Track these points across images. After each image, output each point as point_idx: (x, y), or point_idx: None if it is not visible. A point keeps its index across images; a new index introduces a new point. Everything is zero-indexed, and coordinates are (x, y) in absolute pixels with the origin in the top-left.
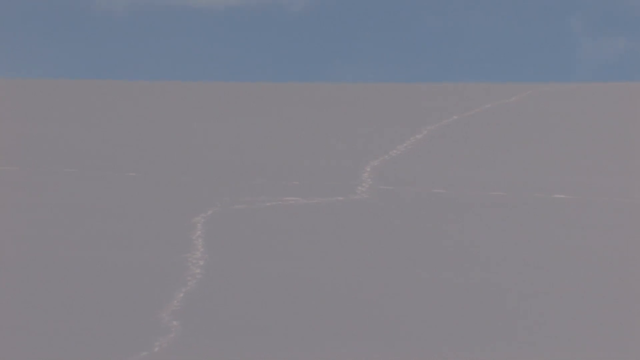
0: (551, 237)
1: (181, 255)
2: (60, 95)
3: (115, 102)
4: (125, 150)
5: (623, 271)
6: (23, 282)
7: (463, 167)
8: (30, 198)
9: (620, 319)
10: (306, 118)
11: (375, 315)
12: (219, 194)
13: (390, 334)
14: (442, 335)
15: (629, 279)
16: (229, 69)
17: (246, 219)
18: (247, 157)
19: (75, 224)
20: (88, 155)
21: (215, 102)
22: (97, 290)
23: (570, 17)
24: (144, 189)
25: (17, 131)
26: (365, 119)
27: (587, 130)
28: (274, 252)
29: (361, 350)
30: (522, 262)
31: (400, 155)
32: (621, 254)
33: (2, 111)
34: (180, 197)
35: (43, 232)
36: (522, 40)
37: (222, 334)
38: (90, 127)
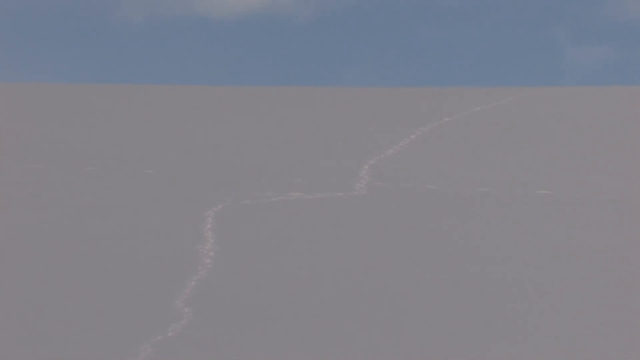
0: (546, 234)
1: (193, 246)
2: (80, 99)
3: (131, 105)
4: (142, 150)
5: (622, 269)
6: (51, 270)
7: (454, 166)
8: (56, 193)
9: (621, 317)
10: (308, 120)
11: (375, 304)
12: (228, 190)
13: (390, 325)
14: (440, 331)
15: (628, 277)
16: (238, 74)
17: (253, 213)
18: (254, 157)
19: (95, 217)
20: (107, 154)
21: (222, 105)
22: (115, 279)
23: (555, 27)
24: (159, 186)
25: (40, 132)
26: (362, 121)
27: (579, 130)
28: (280, 244)
29: (364, 336)
30: (519, 257)
31: (396, 155)
32: (619, 251)
33: (25, 113)
34: (193, 193)
35: (67, 224)
36: (510, 49)
37: (231, 319)
38: (109, 128)
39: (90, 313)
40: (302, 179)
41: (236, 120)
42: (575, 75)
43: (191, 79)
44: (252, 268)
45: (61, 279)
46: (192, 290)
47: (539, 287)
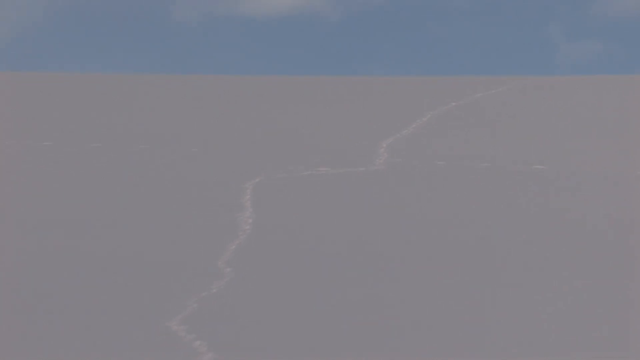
0: (539, 202)
1: (234, 214)
2: (139, 87)
3: (183, 93)
4: (189, 132)
5: (611, 231)
6: (114, 228)
7: (460, 144)
8: (114, 166)
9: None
10: (333, 104)
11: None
12: (264, 165)
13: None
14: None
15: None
16: (276, 66)
17: (287, 185)
18: (287, 136)
19: (148, 188)
20: (159, 135)
21: (259, 93)
22: (164, 242)
23: (549, 24)
24: (204, 162)
25: (103, 116)
26: (380, 106)
27: (570, 113)
28: (310, 212)
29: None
30: (511, 222)
31: (409, 135)
32: (607, 215)
33: (95, 100)
34: (233, 168)
35: (124, 192)
36: (509, 43)
37: (266, 277)
38: (162, 113)
39: (144, 271)
40: (328, 156)
41: (270, 106)
42: (567, 67)
43: (235, 69)
44: (286, 233)
45: (122, 237)
46: (233, 253)
47: (537, 257)
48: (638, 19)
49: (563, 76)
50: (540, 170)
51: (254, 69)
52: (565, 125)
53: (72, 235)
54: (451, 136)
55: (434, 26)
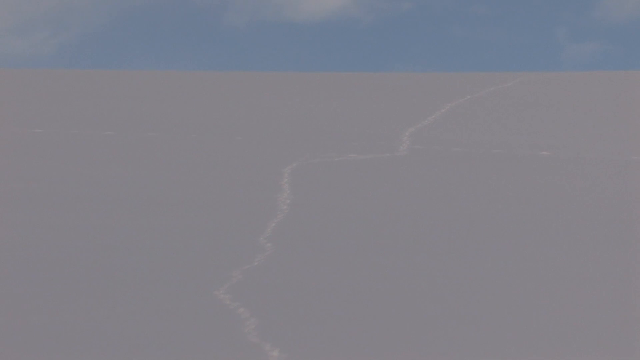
0: (546, 185)
1: (272, 195)
2: (193, 83)
3: (230, 89)
4: (234, 121)
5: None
6: (162, 207)
7: (475, 132)
8: (164, 153)
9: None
10: (362, 97)
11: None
12: (301, 152)
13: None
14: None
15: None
16: (314, 63)
17: (321, 169)
18: (320, 126)
19: (195, 172)
20: (208, 125)
21: (297, 87)
22: (210, 220)
23: (555, 26)
24: (247, 148)
25: (157, 109)
26: (403, 98)
27: (574, 105)
28: (342, 193)
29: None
30: (520, 201)
31: (430, 124)
32: (611, 198)
33: (155, 95)
34: (273, 154)
35: (173, 176)
36: (520, 44)
37: (303, 251)
38: (209, 106)
39: (194, 246)
40: (357, 144)
41: (306, 99)
42: (571, 65)
43: (279, 68)
44: (320, 212)
45: (176, 214)
46: (272, 230)
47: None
48: (635, 22)
49: (567, 72)
50: (546, 155)
51: (295, 67)
52: (569, 115)
53: (132, 212)
54: (467, 125)
55: (454, 29)
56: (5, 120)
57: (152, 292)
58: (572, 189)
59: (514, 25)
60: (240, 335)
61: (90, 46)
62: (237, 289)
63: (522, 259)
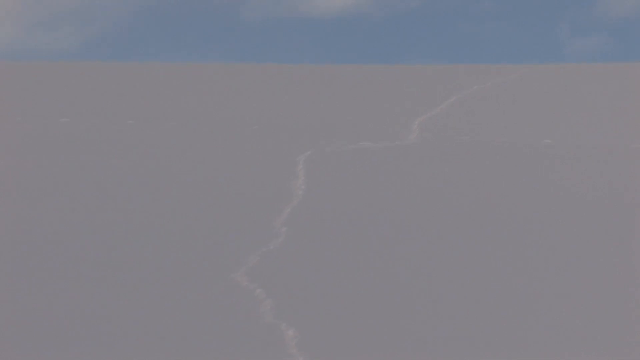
0: (546, 173)
1: (288, 182)
2: (210, 76)
3: (246, 80)
4: (251, 113)
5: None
6: (184, 188)
7: (481, 122)
8: (188, 143)
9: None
10: (372, 88)
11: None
12: (315, 140)
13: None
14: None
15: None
16: (329, 56)
17: (334, 157)
18: (334, 116)
19: (217, 160)
20: (225, 114)
21: (312, 80)
22: (229, 205)
23: (558, 21)
24: (263, 137)
25: (180, 102)
26: (413, 89)
27: (575, 95)
28: (354, 180)
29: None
30: (522, 192)
31: (438, 114)
32: (608, 186)
33: (175, 87)
34: (288, 142)
35: (194, 166)
36: (525, 38)
37: (317, 236)
38: (230, 98)
39: (210, 230)
40: (369, 132)
41: (319, 90)
42: (573, 59)
43: (294, 61)
44: (333, 198)
45: (197, 198)
46: (288, 215)
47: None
48: (635, 17)
49: (570, 64)
50: (549, 144)
51: (309, 59)
52: (571, 105)
53: (154, 198)
54: (474, 115)
55: (462, 23)
56: (33, 110)
57: (173, 274)
58: (574, 177)
59: (519, 20)
60: (257, 315)
61: (113, 40)
62: (254, 272)
63: (526, 246)
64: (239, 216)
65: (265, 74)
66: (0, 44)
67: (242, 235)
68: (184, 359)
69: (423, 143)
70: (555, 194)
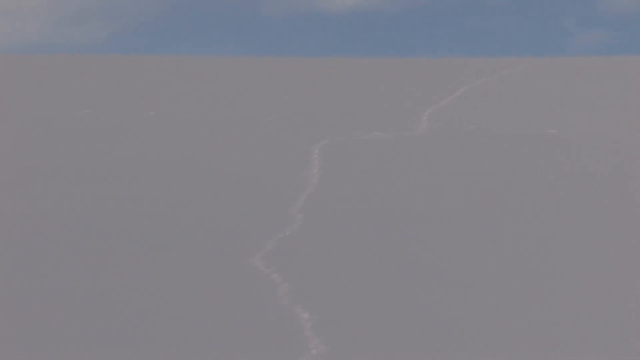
0: (551, 162)
1: (303, 170)
2: (226, 69)
3: (266, 74)
4: (267, 104)
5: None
6: (200, 178)
7: (488, 112)
8: (205, 133)
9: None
10: (384, 80)
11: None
12: (329, 130)
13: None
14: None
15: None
16: (343, 49)
17: (348, 147)
18: (348, 107)
19: (235, 149)
20: (243, 105)
21: (327, 72)
22: (247, 192)
23: (563, 15)
24: (278, 128)
25: (196, 94)
26: (422, 82)
27: (579, 86)
28: (367, 168)
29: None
30: (527, 177)
31: (446, 105)
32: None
33: (192, 80)
34: (303, 132)
35: (214, 156)
36: (529, 32)
37: (331, 222)
38: (248, 89)
39: (228, 217)
40: (381, 123)
41: (333, 82)
42: (577, 52)
43: (310, 54)
44: (347, 186)
45: (215, 185)
46: (303, 202)
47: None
48: (636, 12)
49: (575, 57)
50: (554, 134)
51: (325, 52)
52: (576, 96)
53: (174, 185)
54: (481, 106)
55: (470, 18)
56: (56, 102)
57: (192, 259)
58: (579, 165)
59: (525, 15)
60: (273, 299)
61: (138, 34)
62: (271, 257)
63: (535, 235)
64: (256, 203)
65: (282, 67)
66: (30, 38)
67: (259, 221)
68: (202, 342)
69: (432, 133)
70: (562, 182)
